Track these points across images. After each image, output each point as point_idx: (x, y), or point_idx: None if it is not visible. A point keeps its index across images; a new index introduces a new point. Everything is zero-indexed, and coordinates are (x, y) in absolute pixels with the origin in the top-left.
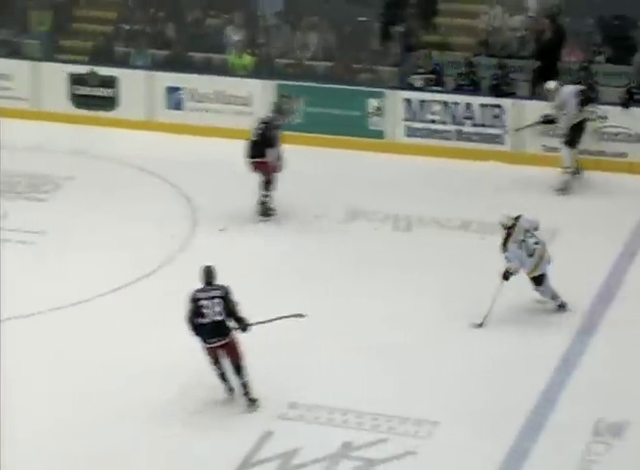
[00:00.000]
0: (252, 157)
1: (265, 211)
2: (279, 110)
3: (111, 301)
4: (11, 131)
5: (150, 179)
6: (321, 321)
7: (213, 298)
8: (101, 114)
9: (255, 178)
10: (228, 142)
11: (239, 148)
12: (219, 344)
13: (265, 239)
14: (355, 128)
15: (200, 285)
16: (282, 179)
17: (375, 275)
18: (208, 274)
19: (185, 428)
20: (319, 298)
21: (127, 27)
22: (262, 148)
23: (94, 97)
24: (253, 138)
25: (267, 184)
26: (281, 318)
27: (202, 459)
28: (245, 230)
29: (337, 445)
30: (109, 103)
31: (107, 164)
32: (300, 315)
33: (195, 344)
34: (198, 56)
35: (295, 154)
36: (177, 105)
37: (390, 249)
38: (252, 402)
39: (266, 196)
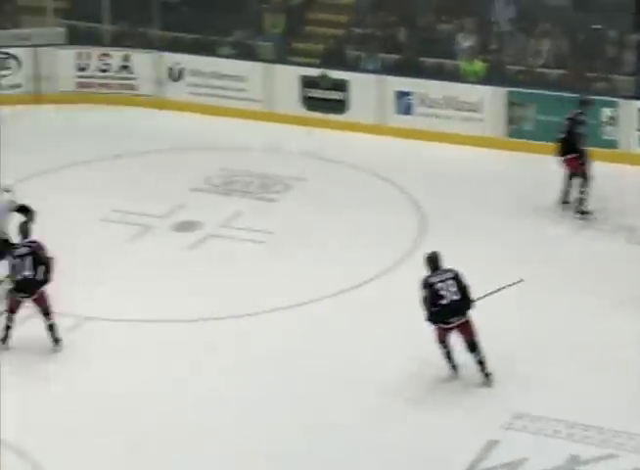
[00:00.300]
0: (562, 154)
1: (581, 210)
2: (585, 103)
3: (332, 303)
4: (244, 132)
5: (379, 184)
6: (557, 334)
7: (446, 280)
8: (331, 116)
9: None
10: (457, 148)
11: (468, 154)
12: (458, 323)
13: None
14: (588, 138)
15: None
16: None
17: (612, 290)
18: (435, 260)
19: (412, 429)
20: (554, 311)
21: (359, 31)
22: (570, 145)
23: (325, 100)
24: (561, 135)
25: (584, 180)
26: (502, 289)
27: (427, 460)
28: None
29: (564, 457)
30: (339, 106)
31: (337, 167)
32: (519, 281)
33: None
34: (429, 61)
35: (526, 161)
36: (407, 109)
37: (623, 262)
38: (488, 377)
39: (583, 193)
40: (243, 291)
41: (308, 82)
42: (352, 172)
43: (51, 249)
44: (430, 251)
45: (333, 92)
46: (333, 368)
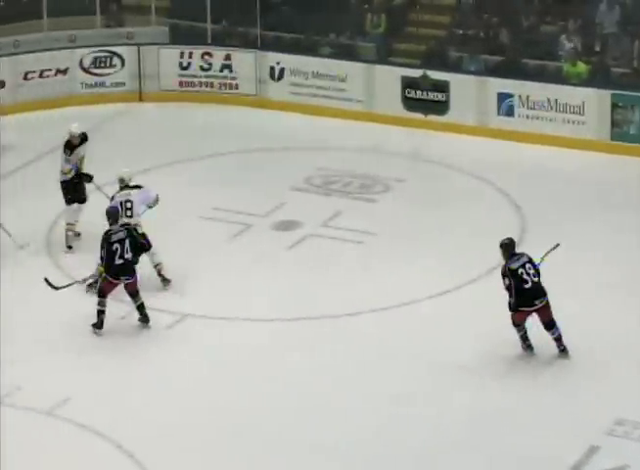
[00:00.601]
0: None
1: None
2: None
3: (432, 304)
4: (345, 132)
5: (479, 186)
6: None
7: (525, 264)
8: (432, 117)
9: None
10: (560, 151)
11: (570, 157)
12: (541, 305)
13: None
14: None
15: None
16: None
17: None
18: (512, 246)
19: (514, 431)
20: None
21: (461, 32)
22: None
23: (426, 101)
24: None
25: None
26: (547, 254)
27: (527, 461)
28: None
29: None
30: (440, 107)
31: (437, 168)
32: (557, 245)
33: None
34: (531, 63)
35: (630, 164)
36: (508, 111)
37: None
38: (564, 351)
39: None
40: (342, 291)
41: (409, 83)
42: (452, 173)
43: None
44: (507, 237)
45: (434, 93)
46: (432, 370)
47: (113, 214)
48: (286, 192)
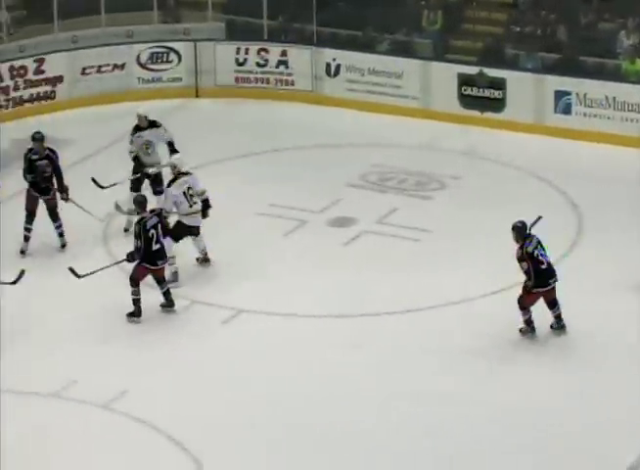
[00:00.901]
0: None
1: None
2: None
3: (488, 303)
4: (400, 129)
5: (536, 184)
6: None
7: (537, 245)
8: (488, 115)
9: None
10: (617, 149)
11: (628, 155)
12: (554, 285)
13: None
14: None
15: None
16: None
17: None
18: (525, 228)
19: (573, 429)
20: None
21: (517, 29)
22: None
23: (482, 98)
24: None
25: None
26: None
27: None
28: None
29: None
30: (497, 104)
31: (493, 166)
32: (539, 217)
33: None
34: (589, 60)
35: None
36: (566, 109)
37: None
38: (563, 327)
39: None
40: (396, 288)
41: (465, 80)
42: (509, 171)
43: (206, 241)
44: (516, 220)
45: (490, 90)
46: (484, 369)
47: (141, 202)
48: (341, 188)
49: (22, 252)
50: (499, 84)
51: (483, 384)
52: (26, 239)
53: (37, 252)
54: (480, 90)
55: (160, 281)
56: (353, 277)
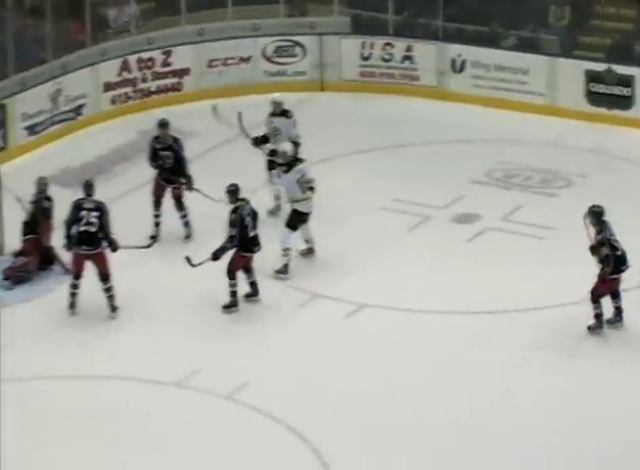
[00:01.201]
0: None
1: None
2: None
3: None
4: (526, 126)
5: None
6: None
7: (613, 232)
8: (616, 112)
9: None
10: None
11: None
12: (625, 270)
13: None
14: None
15: None
16: None
17: None
18: (603, 214)
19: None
20: None
21: None
22: None
23: (610, 95)
24: None
25: None
26: None
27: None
28: None
29: None
30: (624, 102)
31: (621, 164)
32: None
33: None
34: None
35: None
36: None
37: None
38: (620, 320)
39: None
40: (521, 285)
41: (593, 77)
42: (636, 169)
43: (330, 234)
44: (593, 205)
45: (618, 87)
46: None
47: (234, 192)
48: (466, 185)
49: (153, 237)
50: (627, 81)
51: (610, 384)
52: (157, 225)
53: (162, 241)
54: (609, 87)
55: (249, 270)
56: (477, 274)
